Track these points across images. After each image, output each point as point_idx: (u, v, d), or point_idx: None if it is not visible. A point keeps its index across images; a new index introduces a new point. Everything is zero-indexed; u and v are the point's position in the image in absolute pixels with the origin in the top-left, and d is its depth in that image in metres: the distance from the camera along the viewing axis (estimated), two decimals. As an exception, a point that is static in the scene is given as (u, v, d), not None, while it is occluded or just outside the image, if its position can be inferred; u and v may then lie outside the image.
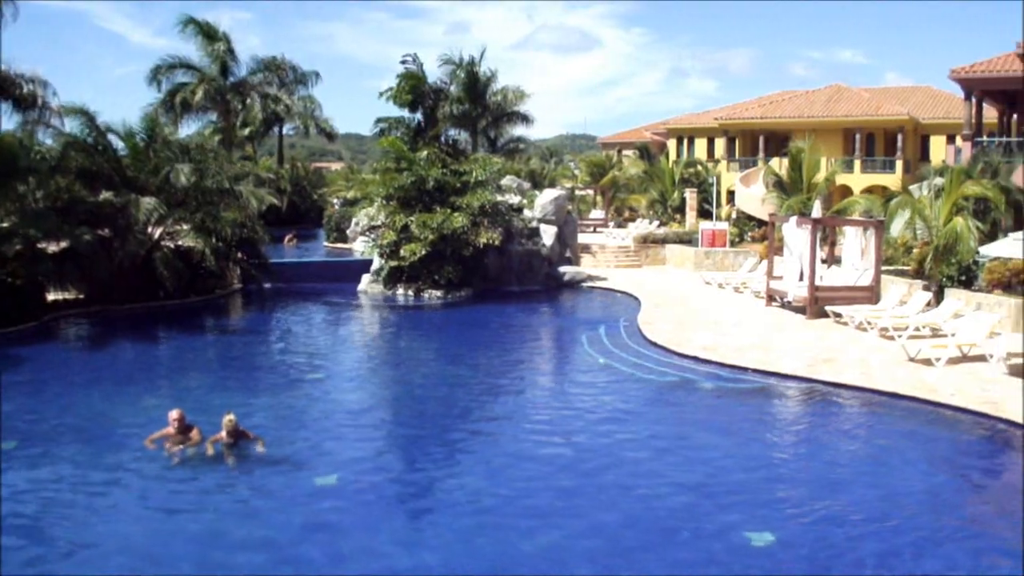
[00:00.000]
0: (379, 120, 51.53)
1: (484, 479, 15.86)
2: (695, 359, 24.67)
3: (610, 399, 21.51)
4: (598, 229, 65.52)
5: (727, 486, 15.53)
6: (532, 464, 16.53)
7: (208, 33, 63.45)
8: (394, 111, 51.19)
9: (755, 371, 23.20)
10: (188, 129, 64.17)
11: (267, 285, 40.22)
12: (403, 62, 50.97)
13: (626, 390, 22.46)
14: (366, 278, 40.71)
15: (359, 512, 14.29)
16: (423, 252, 37.47)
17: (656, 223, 60.56)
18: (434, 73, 53.84)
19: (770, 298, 34.91)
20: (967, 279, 32.35)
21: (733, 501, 14.77)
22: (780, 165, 53.42)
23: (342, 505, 14.51)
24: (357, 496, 14.94)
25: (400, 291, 38.93)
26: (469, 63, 58.33)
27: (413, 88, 50.00)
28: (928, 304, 29.95)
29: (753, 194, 51.73)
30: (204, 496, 14.93)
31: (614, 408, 20.72)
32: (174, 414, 17.11)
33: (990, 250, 23.82)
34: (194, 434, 17.02)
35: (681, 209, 60.10)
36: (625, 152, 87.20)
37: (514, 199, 43.57)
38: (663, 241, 52.07)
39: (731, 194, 63.35)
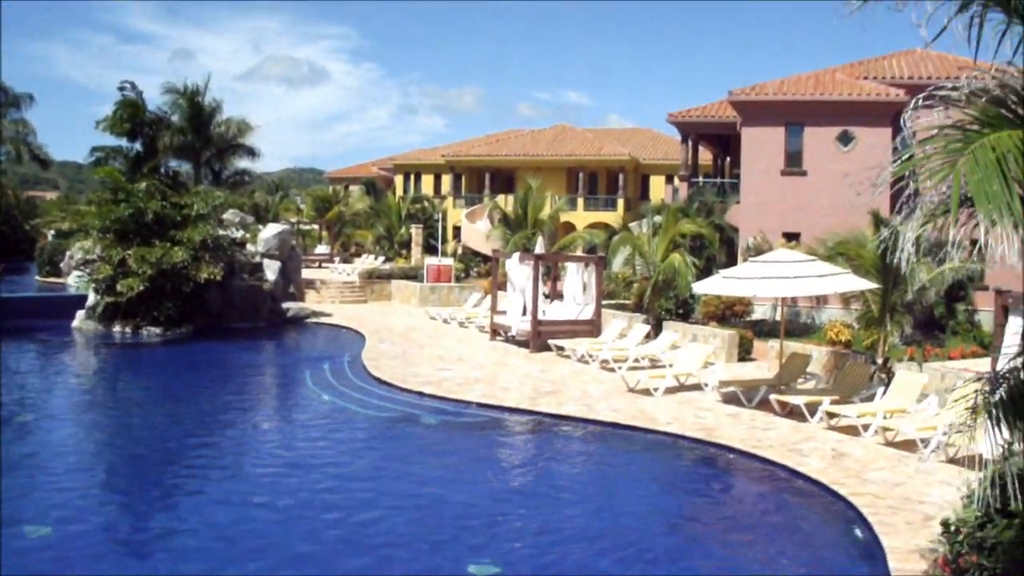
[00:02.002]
0: (95, 149, 49.01)
1: (201, 522, 14.85)
2: (420, 394, 24.25)
3: (333, 436, 20.77)
4: (324, 264, 64.68)
5: (451, 520, 15.09)
6: (250, 508, 15.63)
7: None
8: (113, 140, 49.00)
9: (479, 405, 22.98)
10: None
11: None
12: (121, 89, 48.82)
13: (350, 427, 21.77)
14: (80, 314, 38.24)
15: (71, 563, 13.05)
16: (141, 287, 35.55)
17: (382, 258, 60.23)
18: (157, 101, 51.84)
19: (494, 332, 35.01)
20: (684, 312, 33.44)
21: (456, 534, 14.37)
22: (506, 202, 54.04)
23: (53, 555, 13.23)
24: (66, 545, 13.67)
25: (117, 328, 36.75)
26: (193, 92, 56.49)
27: (132, 116, 47.87)
28: (647, 336, 30.66)
29: (479, 230, 52.11)
30: None
31: (336, 446, 20.00)
32: None
33: (702, 288, 24.58)
34: None
35: (407, 245, 60.00)
36: (352, 187, 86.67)
37: (237, 233, 42.23)
38: (389, 277, 51.77)
39: (457, 230, 63.70)
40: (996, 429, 8.17)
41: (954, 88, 7.30)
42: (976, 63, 7.56)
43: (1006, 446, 8.05)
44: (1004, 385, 8.40)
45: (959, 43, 7.60)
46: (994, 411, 8.22)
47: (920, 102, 7.59)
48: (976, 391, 8.53)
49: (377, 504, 15.80)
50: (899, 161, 7.33)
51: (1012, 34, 7.60)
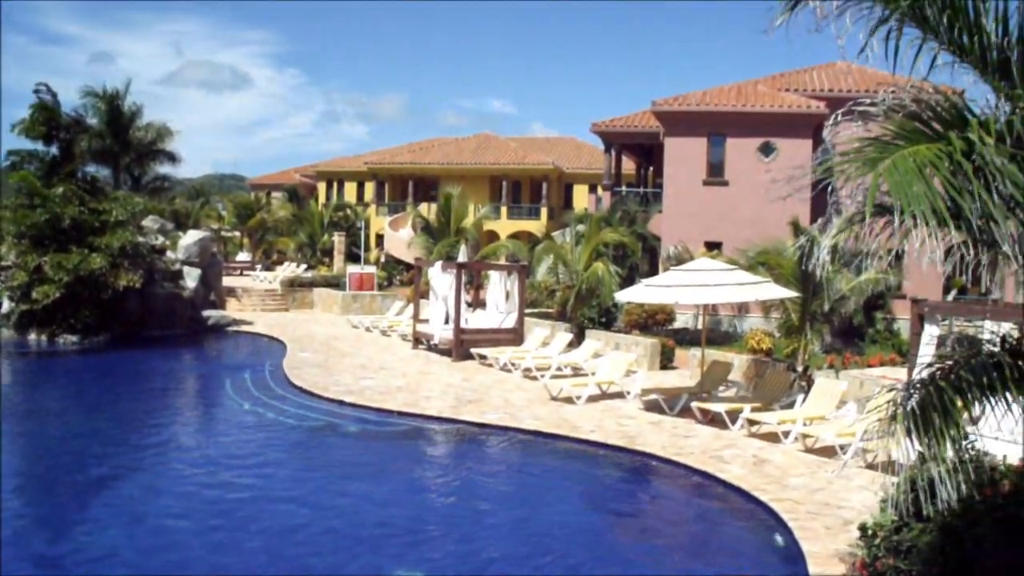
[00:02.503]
0: (11, 153, 48.26)
1: (118, 536, 14.52)
2: (341, 403, 24.03)
3: (254, 446, 20.50)
4: (245, 272, 63.96)
5: (373, 529, 14.95)
6: (168, 519, 15.33)
7: None
8: (29, 144, 48.12)
9: (401, 413, 22.82)
10: None
11: None
12: (36, 91, 48.01)
13: (271, 437, 21.48)
14: (-7, 323, 37.46)
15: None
16: (57, 295, 34.91)
17: (304, 266, 59.71)
18: (75, 104, 51.00)
19: (417, 341, 34.87)
20: (607, 321, 33.59)
21: (378, 544, 14.23)
22: (429, 210, 53.93)
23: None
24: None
25: (32, 336, 36.03)
26: (112, 95, 55.64)
27: (47, 120, 47.11)
28: (570, 345, 30.70)
29: (402, 238, 52.01)
30: None
31: (257, 455, 19.73)
32: None
33: (625, 296, 24.68)
34: None
35: (330, 252, 59.62)
36: (275, 194, 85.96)
37: (157, 240, 41.62)
38: (311, 284, 51.37)
39: (380, 238, 63.51)
40: (908, 437, 8.26)
41: (873, 104, 7.36)
42: (894, 77, 7.65)
43: (920, 452, 8.13)
44: (915, 394, 8.51)
45: (879, 58, 7.70)
46: (906, 420, 8.31)
47: (840, 117, 7.65)
48: (889, 400, 8.64)
49: (298, 514, 15.59)
50: (819, 164, 7.39)
51: (927, 50, 7.71)
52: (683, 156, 40.04)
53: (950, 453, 8.11)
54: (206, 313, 41.58)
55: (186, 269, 41.56)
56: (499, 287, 35.29)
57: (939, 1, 7.50)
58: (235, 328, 41.08)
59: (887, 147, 6.91)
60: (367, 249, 59.69)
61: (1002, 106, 7.16)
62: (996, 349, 8.58)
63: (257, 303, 48.98)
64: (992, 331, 9.05)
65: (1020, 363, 8.38)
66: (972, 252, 6.68)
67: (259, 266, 65.85)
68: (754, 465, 17.85)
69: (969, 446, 10.81)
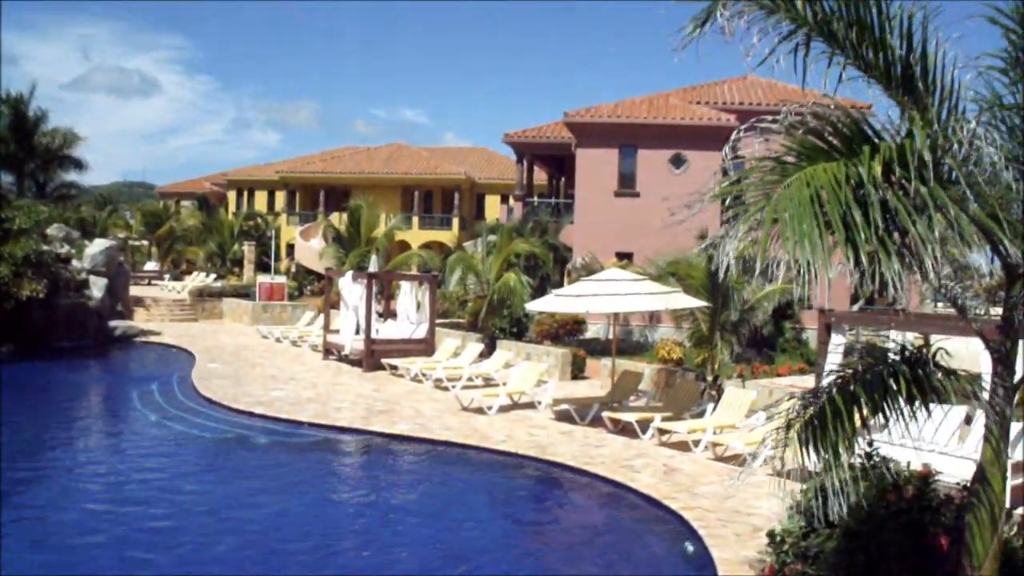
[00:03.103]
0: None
1: (18, 557, 14.13)
2: (250, 414, 23.74)
3: (162, 459, 20.13)
4: (153, 281, 62.95)
5: (282, 543, 14.76)
6: (74, 536, 14.97)
7: None
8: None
9: (311, 425, 22.62)
10: None
11: None
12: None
13: (179, 449, 21.12)
14: None
15: None
16: (-45, 305, 34.02)
17: (214, 276, 58.96)
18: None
19: (327, 351, 34.61)
20: (518, 331, 33.63)
21: (289, 557, 14.06)
22: (340, 220, 53.59)
23: None
24: None
25: (-72, 348, 35.09)
26: (16, 100, 54.45)
27: (-55, 124, 46.01)
28: (481, 355, 30.71)
29: (313, 248, 51.55)
30: None
31: (165, 469, 19.38)
32: None
33: (535, 306, 24.77)
34: None
35: (240, 262, 58.98)
36: (184, 203, 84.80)
37: (62, 249, 40.73)
38: (220, 294, 50.74)
39: (291, 248, 62.96)
40: (805, 445, 8.39)
41: (774, 120, 7.42)
42: (804, 92, 7.73)
43: (826, 460, 8.25)
44: (814, 403, 8.65)
45: (789, 72, 7.80)
46: (804, 428, 8.45)
47: (741, 133, 7.70)
48: (789, 409, 8.77)
49: (207, 528, 15.38)
50: (716, 189, 7.43)
51: (835, 65, 7.82)
52: (595, 167, 40.28)
53: (853, 460, 8.23)
54: (113, 324, 40.87)
55: (92, 279, 40.72)
56: (410, 297, 35.23)
57: (845, 17, 7.62)
58: (143, 339, 40.42)
59: (786, 168, 6.96)
60: (278, 259, 59.20)
61: (904, 122, 7.26)
62: (896, 358, 8.73)
63: (165, 313, 48.22)
64: (895, 341, 9.22)
65: (918, 372, 8.54)
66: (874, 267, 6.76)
67: (167, 276, 64.89)
68: (665, 474, 17.98)
69: (874, 453, 11.02)
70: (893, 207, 6.42)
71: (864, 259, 6.45)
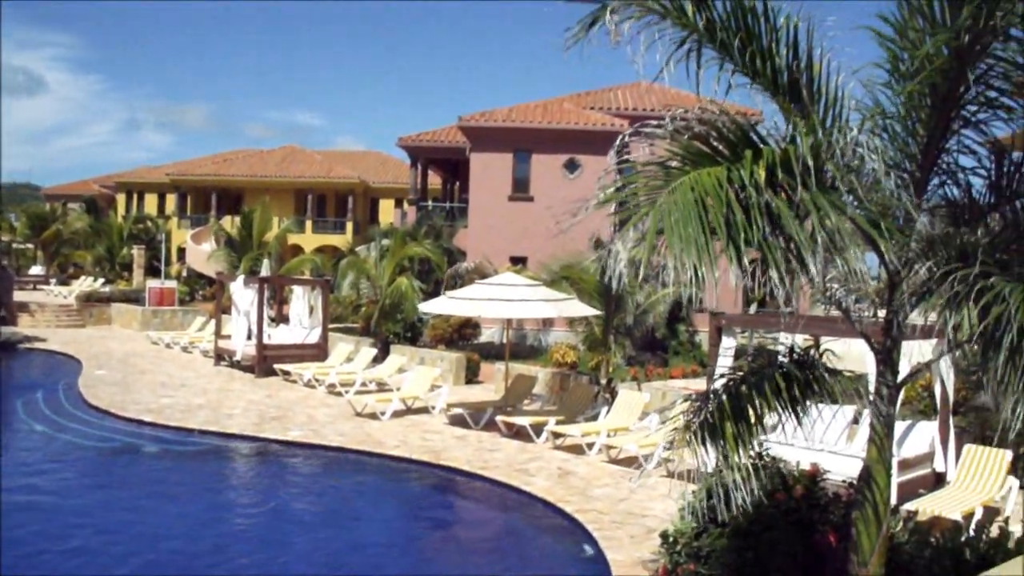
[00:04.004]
0: None
1: None
2: (139, 422, 23.28)
3: (48, 470, 19.59)
4: (39, 286, 61.32)
5: (173, 554, 14.50)
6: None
7: None
8: None
9: (202, 432, 22.26)
10: None
11: None
12: None
13: (66, 459, 20.58)
14: None
15: None
16: None
17: (102, 280, 57.71)
18: None
19: (219, 357, 34.11)
20: (412, 335, 33.56)
21: (183, 566, 13.82)
22: (232, 223, 52.92)
23: None
24: None
25: None
26: None
27: None
28: (374, 360, 30.54)
29: (204, 252, 50.80)
30: None
31: (51, 480, 18.88)
32: None
33: (427, 307, 24.75)
34: None
35: (129, 266, 57.88)
36: (71, 205, 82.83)
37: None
38: (109, 300, 49.67)
39: (182, 252, 61.96)
40: (701, 445, 8.52)
41: (659, 125, 7.48)
42: (699, 98, 7.83)
43: (716, 461, 8.39)
44: (707, 405, 8.78)
45: (681, 78, 7.89)
46: (699, 430, 8.57)
47: (627, 138, 7.76)
48: (683, 411, 8.89)
49: (95, 539, 15.04)
50: (601, 196, 7.48)
51: (725, 71, 7.95)
52: (489, 171, 40.37)
53: (744, 460, 8.37)
54: (-5, 330, 39.75)
55: (-27, 284, 39.66)
56: (303, 302, 34.92)
57: (733, 26, 7.74)
58: (27, 345, 39.30)
59: (671, 173, 7.03)
60: (168, 263, 58.15)
61: (790, 129, 7.40)
62: (785, 360, 8.91)
63: (51, 319, 47.03)
64: (785, 343, 9.39)
65: (806, 373, 8.72)
66: (763, 271, 6.87)
67: (54, 280, 63.29)
68: (559, 477, 18.07)
69: (764, 453, 11.23)
70: (776, 211, 6.53)
71: (748, 263, 6.57)
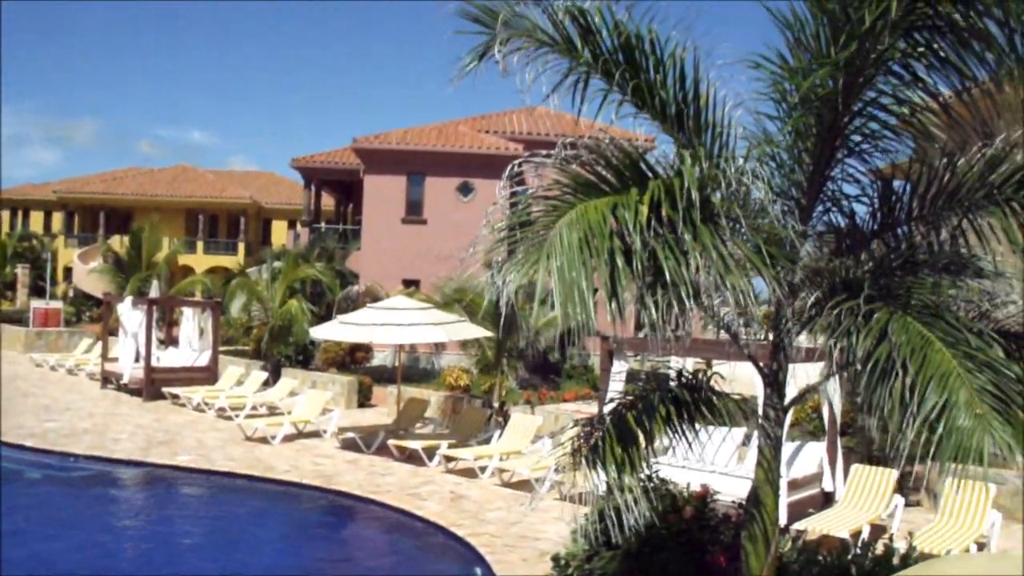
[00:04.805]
0: None
1: None
2: (20, 447, 22.64)
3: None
4: (-85, 307, 59.50)
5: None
6: None
7: None
8: None
9: (86, 457, 21.76)
10: None
11: None
12: None
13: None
14: None
15: None
16: None
17: (-16, 301, 56.18)
18: None
19: (106, 380, 33.41)
20: (304, 358, 33.25)
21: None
22: (121, 243, 51.97)
23: None
24: None
25: None
26: None
27: None
28: (265, 383, 30.17)
29: (92, 272, 49.79)
30: None
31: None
32: None
33: (318, 333, 24.60)
34: None
35: (12, 286, 56.36)
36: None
37: None
38: (-9, 320, 48.36)
39: (68, 271, 60.64)
40: (592, 470, 8.57)
41: (548, 155, 7.51)
42: (592, 124, 7.90)
43: (608, 483, 8.45)
44: (597, 428, 8.85)
45: (568, 106, 7.97)
46: (589, 455, 8.63)
47: (518, 167, 7.77)
48: (574, 435, 8.95)
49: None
50: (489, 234, 7.48)
51: (613, 101, 8.04)
52: (382, 194, 40.24)
53: (633, 482, 8.44)
54: None
55: None
56: (193, 324, 34.38)
57: (619, 58, 7.84)
58: (-100, 369, 38.07)
59: (559, 204, 7.04)
60: (54, 283, 56.89)
61: (677, 161, 7.47)
62: (674, 384, 9.02)
63: (-72, 341, 45.65)
64: (675, 366, 9.50)
65: (695, 396, 8.84)
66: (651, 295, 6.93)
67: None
68: (451, 501, 18.04)
69: (655, 475, 11.33)
70: (657, 253, 6.57)
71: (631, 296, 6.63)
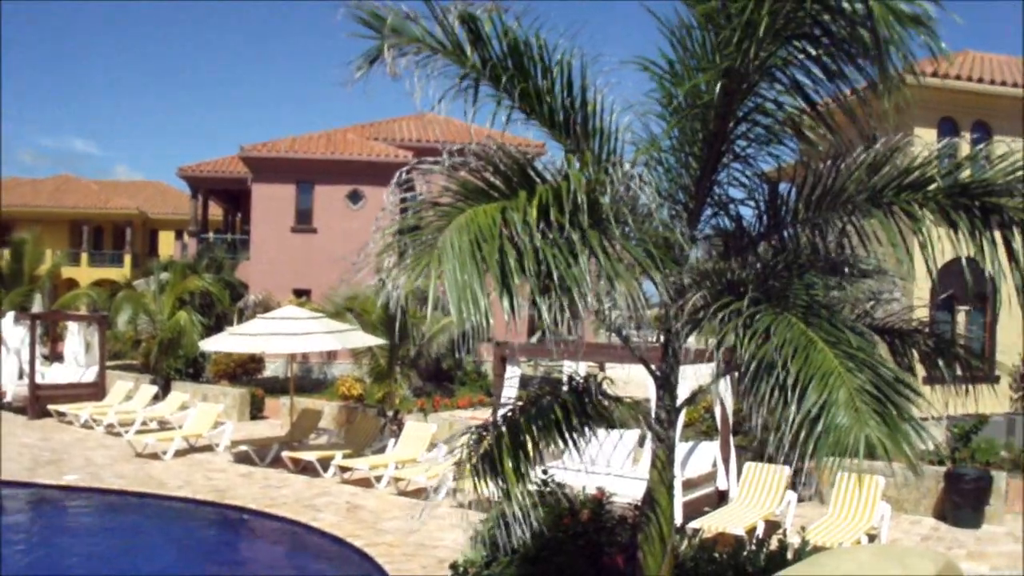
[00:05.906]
0: None
1: None
2: None
3: None
4: None
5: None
6: None
7: None
8: None
9: (-32, 479, 21.14)
10: None
11: None
12: None
13: None
14: None
15: None
16: None
17: None
18: None
19: (-11, 398, 32.53)
20: (195, 371, 32.75)
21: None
22: (1, 256, 50.57)
23: None
24: None
25: None
26: None
27: None
28: (156, 397, 29.64)
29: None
30: None
31: None
32: None
33: (209, 345, 24.28)
34: None
35: None
36: None
37: None
38: None
39: (-55, 288, 58.73)
40: (485, 476, 8.60)
41: (436, 161, 7.49)
42: (486, 130, 7.90)
43: (503, 489, 8.48)
44: (487, 435, 8.88)
45: (457, 111, 7.98)
46: (480, 462, 8.65)
47: (406, 174, 7.75)
48: (466, 441, 8.96)
49: None
50: (379, 244, 7.43)
51: (504, 107, 8.08)
52: (271, 203, 39.89)
53: (530, 488, 8.48)
54: None
55: None
56: (78, 339, 33.63)
57: (508, 64, 7.88)
58: None
59: (449, 212, 7.02)
60: (-72, 300, 55.01)
61: (564, 166, 7.49)
62: (564, 389, 9.08)
63: None
64: (568, 371, 9.56)
65: (585, 400, 8.91)
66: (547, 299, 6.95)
67: None
68: (348, 511, 17.91)
69: (550, 479, 11.40)
70: (548, 256, 6.59)
71: (524, 300, 6.65)
